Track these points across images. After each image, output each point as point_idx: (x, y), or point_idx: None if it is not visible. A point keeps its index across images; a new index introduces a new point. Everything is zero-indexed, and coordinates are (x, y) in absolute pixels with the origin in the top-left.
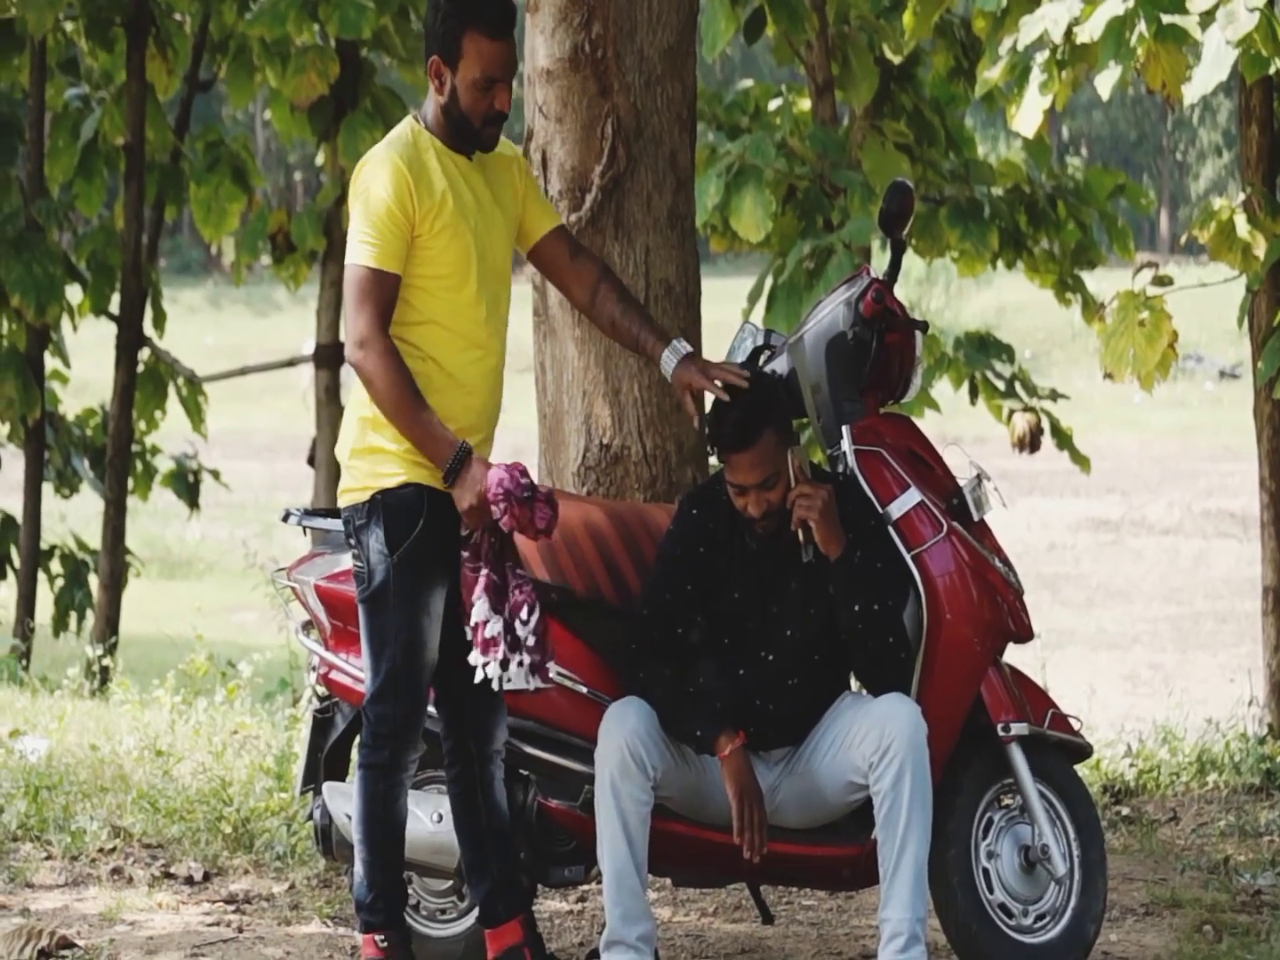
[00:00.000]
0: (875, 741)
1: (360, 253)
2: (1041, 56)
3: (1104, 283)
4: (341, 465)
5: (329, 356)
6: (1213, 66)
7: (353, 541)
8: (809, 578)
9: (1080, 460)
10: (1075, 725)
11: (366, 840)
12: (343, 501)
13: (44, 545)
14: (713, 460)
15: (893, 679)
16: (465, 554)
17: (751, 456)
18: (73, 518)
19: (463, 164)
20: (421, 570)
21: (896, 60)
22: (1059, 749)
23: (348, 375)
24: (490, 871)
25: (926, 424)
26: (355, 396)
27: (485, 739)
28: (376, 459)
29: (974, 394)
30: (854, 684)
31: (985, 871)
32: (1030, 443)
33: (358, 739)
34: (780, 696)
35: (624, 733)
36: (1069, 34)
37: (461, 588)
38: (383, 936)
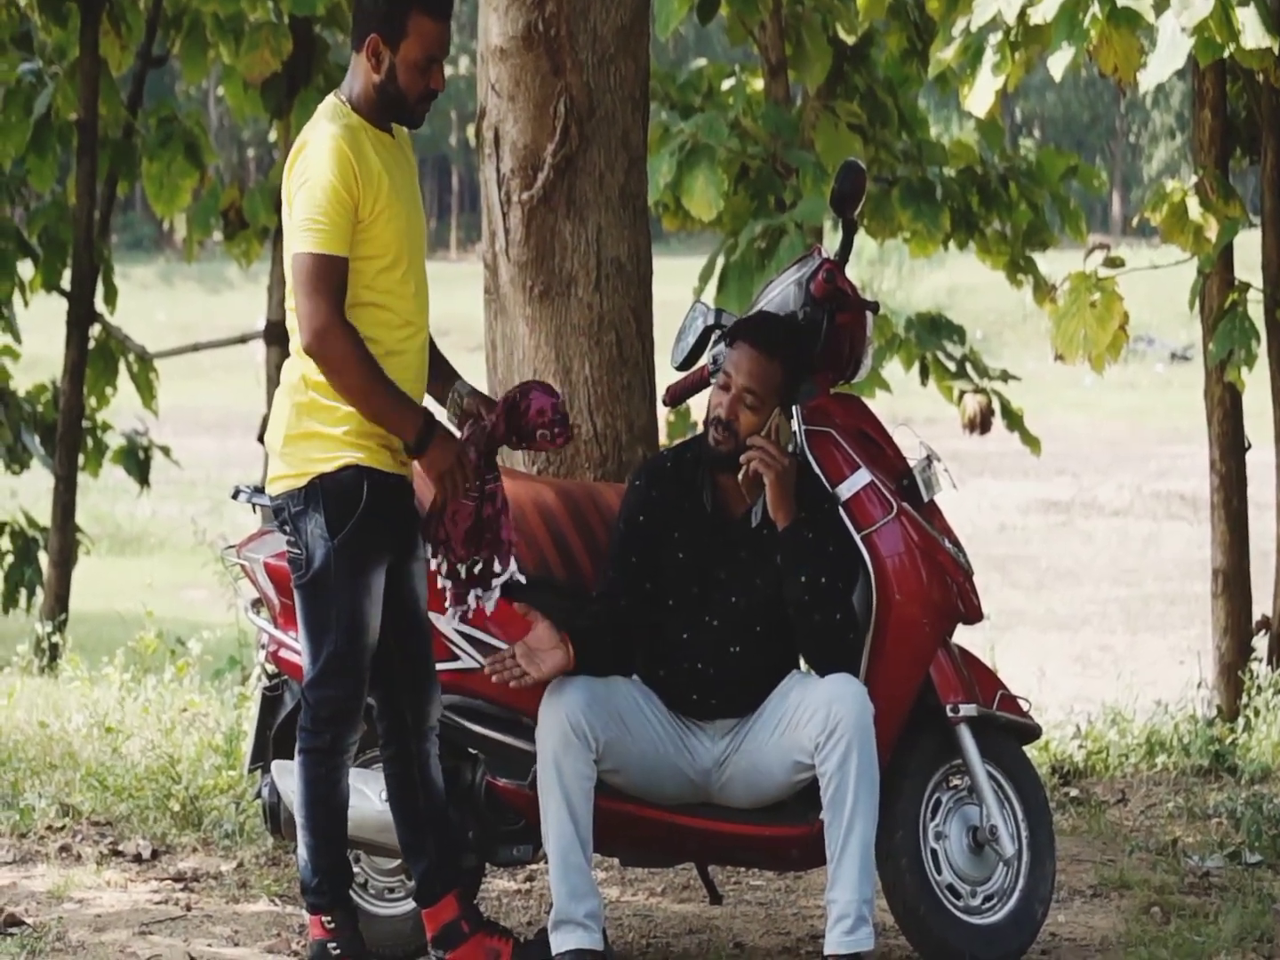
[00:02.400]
0: (821, 722)
1: (308, 239)
2: (995, 38)
3: (1056, 264)
4: (272, 452)
5: (280, 334)
6: (1168, 54)
7: (288, 529)
8: (758, 547)
9: (1031, 441)
10: (1024, 706)
11: (309, 824)
12: (276, 489)
13: None
14: (662, 440)
15: (840, 659)
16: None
17: (756, 357)
18: (23, 494)
19: (388, 142)
20: (363, 552)
21: (850, 40)
22: (1008, 730)
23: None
24: (428, 850)
25: (877, 405)
26: (287, 381)
27: (422, 716)
28: (312, 444)
29: (925, 375)
30: (803, 665)
31: (933, 852)
32: (981, 424)
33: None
34: (722, 663)
35: (565, 706)
36: (1022, 15)
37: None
38: (329, 917)
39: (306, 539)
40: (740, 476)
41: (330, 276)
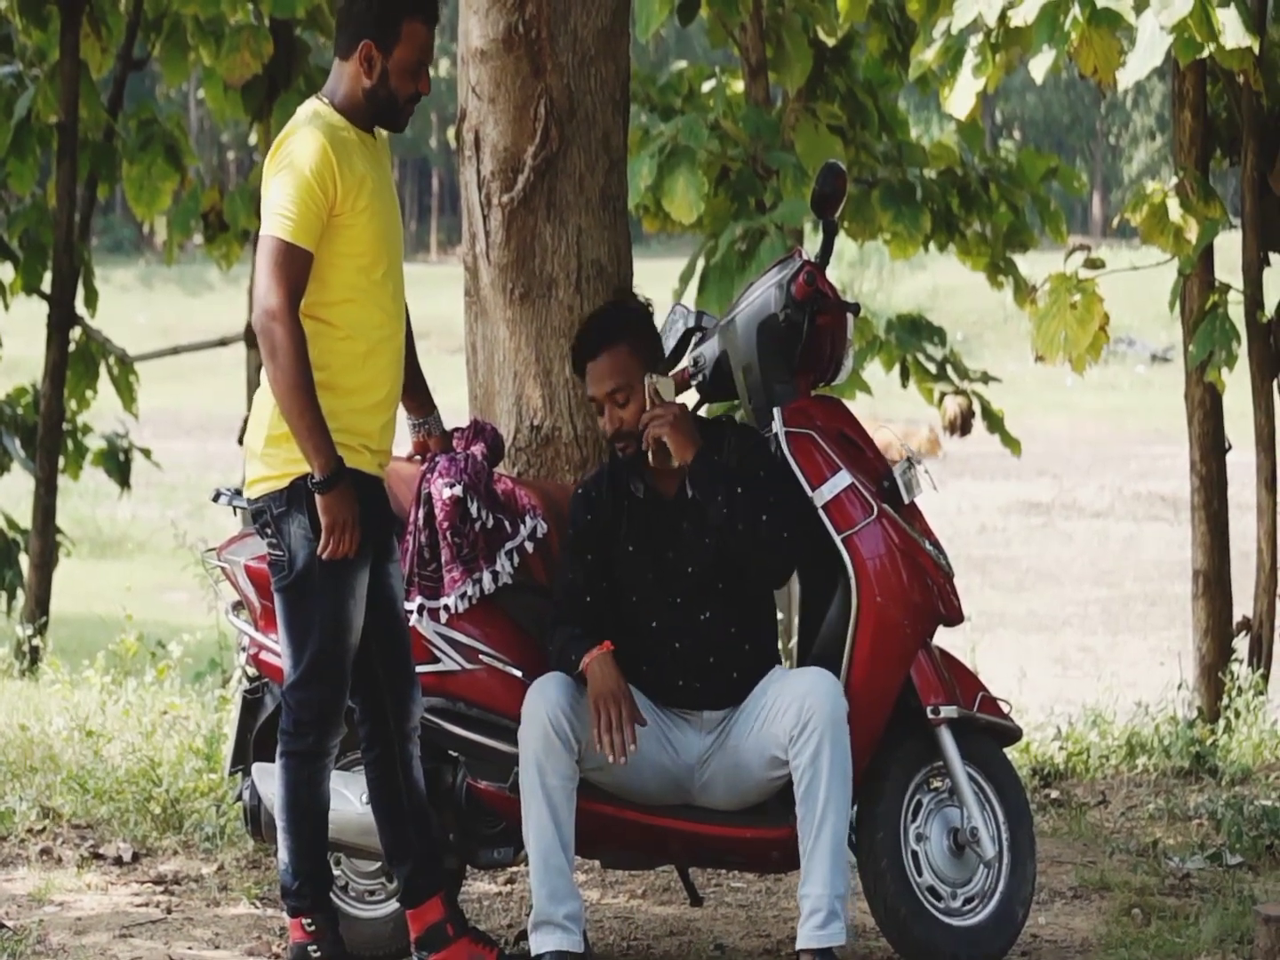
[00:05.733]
0: (795, 716)
1: (277, 225)
2: (975, 39)
3: (1036, 265)
4: (251, 455)
5: None
6: (1147, 52)
7: (269, 531)
8: (696, 514)
9: (1011, 443)
10: (1005, 708)
11: (291, 827)
12: (255, 491)
13: None
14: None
15: (780, 562)
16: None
17: (602, 365)
18: (3, 497)
19: (370, 144)
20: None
21: (830, 42)
22: (988, 732)
23: None
24: (413, 851)
25: (858, 406)
26: (267, 383)
27: (404, 716)
28: (294, 445)
29: (905, 376)
30: (784, 661)
31: (914, 854)
32: (961, 425)
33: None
34: (696, 633)
35: (546, 708)
36: (1003, 17)
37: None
38: (310, 920)
39: (289, 540)
40: (650, 457)
41: (291, 265)
